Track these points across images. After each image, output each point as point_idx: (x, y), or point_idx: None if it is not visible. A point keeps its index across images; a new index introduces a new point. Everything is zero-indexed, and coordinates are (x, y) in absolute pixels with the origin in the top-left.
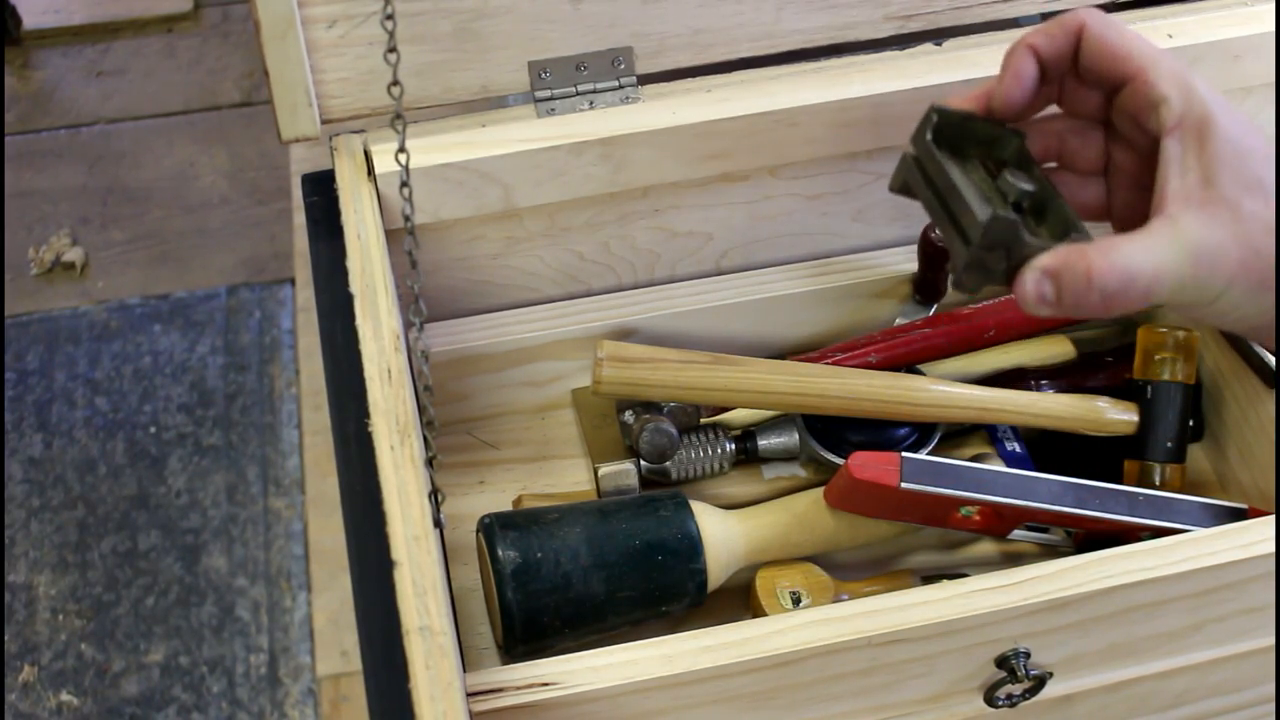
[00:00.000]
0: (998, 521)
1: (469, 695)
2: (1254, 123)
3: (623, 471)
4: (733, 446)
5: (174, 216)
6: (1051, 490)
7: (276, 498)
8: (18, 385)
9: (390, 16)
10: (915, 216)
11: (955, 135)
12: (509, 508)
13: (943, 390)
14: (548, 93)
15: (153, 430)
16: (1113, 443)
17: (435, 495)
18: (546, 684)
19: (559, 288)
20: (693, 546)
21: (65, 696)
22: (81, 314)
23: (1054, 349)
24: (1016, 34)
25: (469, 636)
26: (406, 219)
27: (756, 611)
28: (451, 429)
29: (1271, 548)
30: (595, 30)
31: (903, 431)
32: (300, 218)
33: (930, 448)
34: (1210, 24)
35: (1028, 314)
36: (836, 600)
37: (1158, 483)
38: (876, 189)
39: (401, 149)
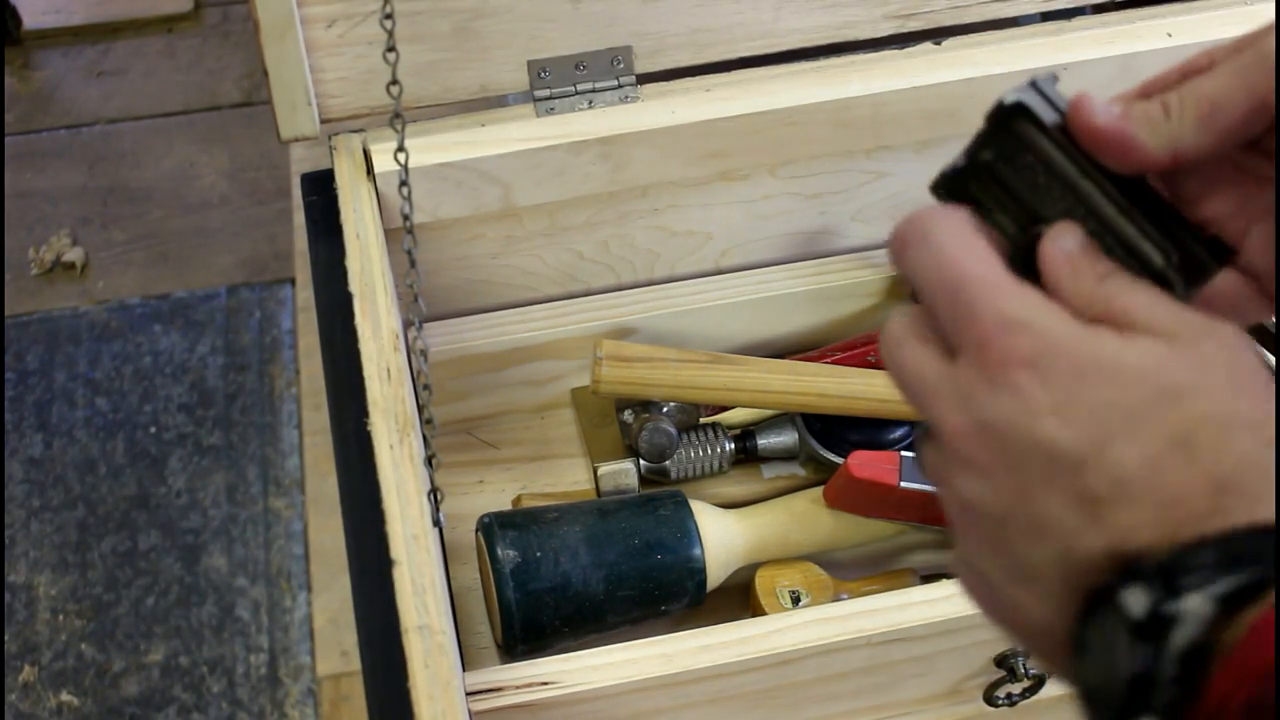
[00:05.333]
0: None
1: (468, 694)
2: None
3: (622, 471)
4: (732, 446)
5: (174, 216)
6: None
7: (276, 498)
8: (18, 385)
9: (389, 16)
10: None
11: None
12: (509, 507)
13: None
14: (547, 92)
15: (153, 430)
16: None
17: (434, 494)
18: (545, 683)
19: (558, 287)
20: (692, 545)
21: (65, 696)
22: (81, 314)
23: None
24: (1016, 33)
25: (468, 636)
26: (405, 218)
27: (756, 611)
28: (451, 429)
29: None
30: (594, 30)
31: (902, 431)
32: (300, 217)
33: None
34: (1210, 24)
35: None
36: (836, 599)
37: None
38: (876, 188)
39: (400, 148)
